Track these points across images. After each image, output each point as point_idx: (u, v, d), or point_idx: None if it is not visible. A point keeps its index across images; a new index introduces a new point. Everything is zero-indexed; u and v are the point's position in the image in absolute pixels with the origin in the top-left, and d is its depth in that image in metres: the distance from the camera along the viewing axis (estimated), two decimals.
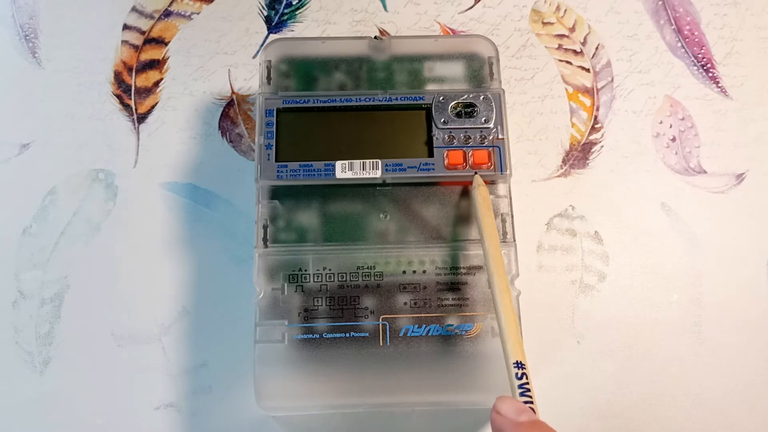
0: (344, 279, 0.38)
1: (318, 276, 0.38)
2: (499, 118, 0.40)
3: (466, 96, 0.41)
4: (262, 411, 0.39)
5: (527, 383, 0.32)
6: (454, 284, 0.38)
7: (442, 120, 0.40)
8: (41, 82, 0.48)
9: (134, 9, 0.50)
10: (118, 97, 0.48)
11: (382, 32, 0.50)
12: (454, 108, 0.40)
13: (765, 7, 0.51)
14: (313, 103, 0.40)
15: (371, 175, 0.39)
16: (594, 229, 0.45)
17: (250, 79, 0.48)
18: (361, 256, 0.38)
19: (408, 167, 0.39)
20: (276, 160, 0.39)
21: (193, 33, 0.49)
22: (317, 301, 0.37)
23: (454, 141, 0.40)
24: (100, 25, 0.49)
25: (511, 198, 0.39)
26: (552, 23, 0.50)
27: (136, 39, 0.49)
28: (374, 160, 0.39)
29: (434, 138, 0.40)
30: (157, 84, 0.48)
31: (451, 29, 0.50)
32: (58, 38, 0.49)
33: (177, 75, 0.48)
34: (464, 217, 0.39)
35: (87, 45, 0.49)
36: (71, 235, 0.44)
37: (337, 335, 0.37)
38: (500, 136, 0.40)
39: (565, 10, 0.50)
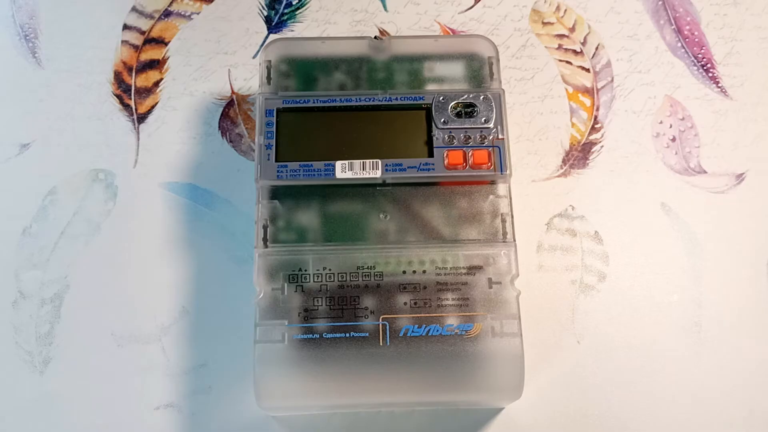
0: (344, 279, 0.38)
1: (318, 276, 0.38)
2: (499, 118, 0.40)
3: (466, 96, 0.41)
4: (262, 411, 0.39)
5: None
6: (454, 284, 0.38)
7: (442, 120, 0.40)
8: (41, 82, 0.48)
9: (134, 9, 0.50)
10: (118, 97, 0.48)
11: (382, 32, 0.50)
12: (454, 108, 0.40)
13: (765, 7, 0.51)
14: (313, 103, 0.40)
15: (371, 175, 0.39)
16: (594, 229, 0.45)
17: (250, 79, 0.48)
18: (361, 256, 0.38)
19: (408, 167, 0.39)
20: (276, 160, 0.39)
21: (193, 33, 0.49)
22: (317, 301, 0.37)
23: (454, 141, 0.40)
24: (100, 25, 0.49)
25: (511, 198, 0.39)
26: (552, 23, 0.50)
27: (136, 39, 0.49)
28: (374, 160, 0.39)
29: (434, 138, 0.40)
30: (157, 84, 0.48)
31: (451, 29, 0.50)
32: (58, 38, 0.49)
33: (177, 75, 0.48)
34: (464, 217, 0.39)
35: (87, 45, 0.49)
36: (71, 235, 0.44)
37: (337, 335, 0.37)
38: (500, 136, 0.40)
39: (565, 10, 0.50)
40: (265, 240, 0.38)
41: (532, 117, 0.48)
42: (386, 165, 0.39)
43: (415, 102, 0.41)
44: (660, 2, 0.51)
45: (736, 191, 0.46)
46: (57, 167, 0.46)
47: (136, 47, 0.49)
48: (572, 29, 0.50)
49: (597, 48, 0.49)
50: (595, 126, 0.48)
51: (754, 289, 0.44)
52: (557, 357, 0.42)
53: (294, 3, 0.50)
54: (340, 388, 0.37)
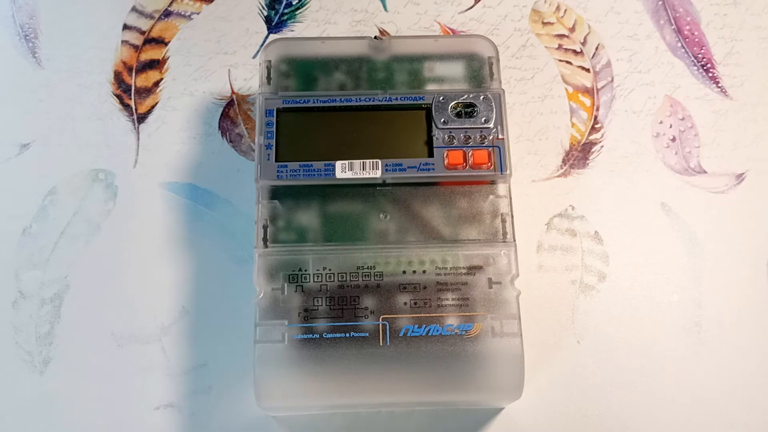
0: (344, 279, 0.38)
1: (318, 276, 0.38)
2: (499, 118, 0.40)
3: (466, 96, 0.41)
4: (262, 411, 0.39)
5: None
6: (454, 284, 0.38)
7: (442, 120, 0.40)
8: (41, 82, 0.48)
9: (134, 9, 0.50)
10: (118, 97, 0.48)
11: (382, 32, 0.50)
12: (454, 108, 0.40)
13: (765, 7, 0.51)
14: (313, 103, 0.40)
15: (371, 175, 0.39)
16: (594, 229, 0.45)
17: (250, 79, 0.48)
18: (361, 256, 0.38)
19: (408, 167, 0.39)
20: (276, 160, 0.39)
21: (193, 33, 0.49)
22: (317, 301, 0.37)
23: (454, 141, 0.40)
24: (100, 25, 0.49)
25: (511, 198, 0.39)
26: (552, 23, 0.50)
27: (136, 39, 0.49)
28: (374, 160, 0.39)
29: (434, 138, 0.40)
30: (157, 84, 0.48)
31: (451, 29, 0.50)
32: (58, 38, 0.49)
33: (177, 75, 0.48)
34: (464, 217, 0.39)
35: (87, 45, 0.49)
36: (71, 235, 0.44)
37: (337, 335, 0.37)
38: (500, 136, 0.40)
39: (565, 10, 0.50)
40: (265, 240, 0.38)
41: (532, 117, 0.48)
42: (386, 165, 0.39)
43: (415, 102, 0.41)
44: (660, 2, 0.51)
45: (736, 191, 0.46)
46: (57, 167, 0.46)
47: (136, 47, 0.49)
48: (572, 29, 0.50)
49: (597, 48, 0.49)
50: (595, 126, 0.48)
51: (754, 289, 0.44)
52: (557, 357, 0.42)
53: (294, 3, 0.50)
54: (340, 388, 0.37)
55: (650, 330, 0.43)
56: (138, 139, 0.47)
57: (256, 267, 0.38)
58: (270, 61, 0.41)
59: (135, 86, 0.48)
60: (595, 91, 0.48)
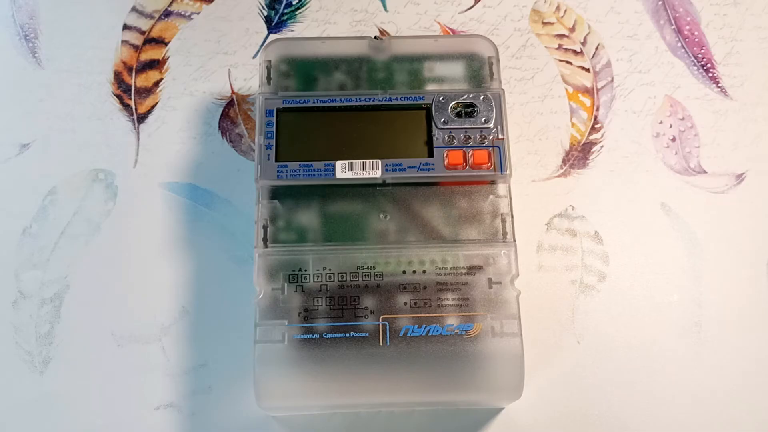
0: (344, 279, 0.38)
1: (318, 276, 0.38)
2: (499, 118, 0.40)
3: (466, 96, 0.41)
4: (262, 411, 0.39)
5: None
6: (454, 284, 0.38)
7: (442, 120, 0.40)
8: (41, 82, 0.48)
9: (134, 9, 0.50)
10: (118, 97, 0.48)
11: (382, 32, 0.50)
12: (454, 108, 0.40)
13: (765, 7, 0.51)
14: (313, 103, 0.40)
15: (371, 175, 0.39)
16: (594, 229, 0.45)
17: (250, 79, 0.48)
18: (361, 256, 0.38)
19: (408, 167, 0.39)
20: (276, 160, 0.39)
21: (193, 33, 0.49)
22: (317, 301, 0.37)
23: (454, 141, 0.40)
24: (100, 25, 0.49)
25: (511, 198, 0.39)
26: (552, 23, 0.50)
27: (136, 39, 0.49)
28: (374, 160, 0.39)
29: (434, 138, 0.40)
30: (157, 84, 0.48)
31: (451, 29, 0.50)
32: (58, 38, 0.49)
33: (177, 75, 0.48)
34: (464, 217, 0.39)
35: (87, 45, 0.49)
36: (71, 235, 0.44)
37: (337, 335, 0.37)
38: (500, 136, 0.40)
39: (565, 10, 0.50)
40: (265, 240, 0.38)
41: (532, 117, 0.48)
42: (386, 165, 0.39)
43: (415, 102, 0.41)
44: (660, 2, 0.51)
45: (736, 191, 0.46)
46: (57, 167, 0.46)
47: (136, 47, 0.49)
48: (572, 29, 0.50)
49: (597, 48, 0.49)
50: (595, 126, 0.48)
51: (754, 289, 0.44)
52: (557, 357, 0.42)
53: (294, 3, 0.50)
54: (340, 388, 0.37)
55: (650, 330, 0.43)
56: (138, 139, 0.47)
57: (256, 267, 0.38)
58: (270, 61, 0.42)
59: (135, 86, 0.48)
60: (595, 91, 0.48)
